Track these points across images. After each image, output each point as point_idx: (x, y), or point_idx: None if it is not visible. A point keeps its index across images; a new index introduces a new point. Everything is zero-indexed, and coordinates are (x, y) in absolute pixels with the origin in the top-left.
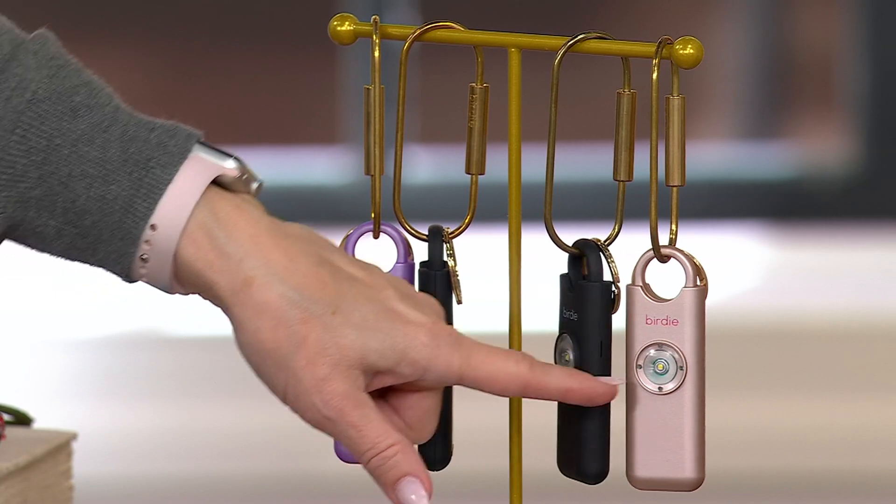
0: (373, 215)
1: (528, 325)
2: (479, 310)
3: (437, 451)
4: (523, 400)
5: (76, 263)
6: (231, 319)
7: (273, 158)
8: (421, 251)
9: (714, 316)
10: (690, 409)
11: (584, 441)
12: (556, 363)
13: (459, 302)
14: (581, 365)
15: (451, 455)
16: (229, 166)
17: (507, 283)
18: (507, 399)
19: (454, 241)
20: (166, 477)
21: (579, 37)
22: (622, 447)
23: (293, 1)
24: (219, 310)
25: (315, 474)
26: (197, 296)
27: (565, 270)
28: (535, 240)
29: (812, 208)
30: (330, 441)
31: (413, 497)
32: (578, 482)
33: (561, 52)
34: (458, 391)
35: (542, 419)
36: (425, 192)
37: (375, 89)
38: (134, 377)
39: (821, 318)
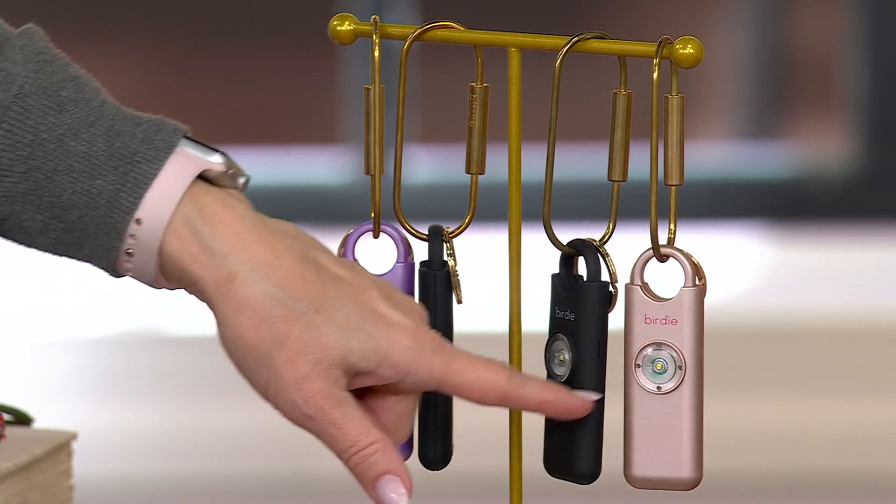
0: (373, 215)
1: (528, 325)
2: (479, 310)
3: (437, 451)
4: None
5: (66, 259)
6: (214, 315)
7: (273, 158)
8: (421, 251)
9: (714, 316)
10: (689, 409)
11: (577, 441)
12: (549, 364)
13: (459, 302)
14: (577, 365)
15: (451, 455)
16: (215, 161)
17: (507, 283)
18: None
19: (454, 240)
20: (166, 477)
21: (580, 37)
22: (620, 446)
23: (293, 1)
24: None
25: (315, 474)
26: (184, 291)
27: (557, 270)
28: (535, 240)
29: (812, 208)
30: None
31: (393, 495)
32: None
33: (562, 52)
34: None
35: (542, 419)
36: (425, 192)
37: (375, 89)
38: (134, 377)
39: (820, 318)
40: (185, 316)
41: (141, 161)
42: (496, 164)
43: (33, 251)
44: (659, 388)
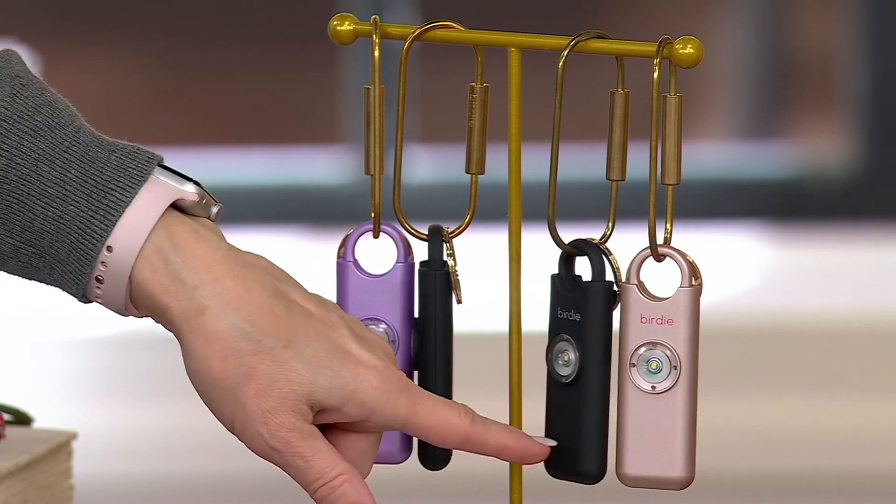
0: (373, 215)
1: (527, 325)
2: (479, 310)
3: (437, 451)
4: (524, 397)
5: (36, 283)
6: (182, 346)
7: (273, 158)
8: (421, 251)
9: (713, 316)
10: (683, 409)
11: (583, 441)
12: (552, 365)
13: (459, 302)
14: (584, 365)
15: (450, 455)
16: (188, 190)
17: (507, 283)
18: (508, 398)
19: (454, 240)
20: (166, 477)
21: (581, 37)
22: (613, 444)
23: (293, 1)
24: None
25: None
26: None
27: (556, 271)
28: (535, 240)
29: (812, 208)
30: None
31: None
32: (573, 482)
33: (565, 53)
34: (457, 388)
35: (541, 419)
36: (425, 192)
37: (375, 89)
38: (134, 377)
39: (820, 318)
40: None
41: (114, 189)
42: (496, 164)
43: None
44: (653, 387)
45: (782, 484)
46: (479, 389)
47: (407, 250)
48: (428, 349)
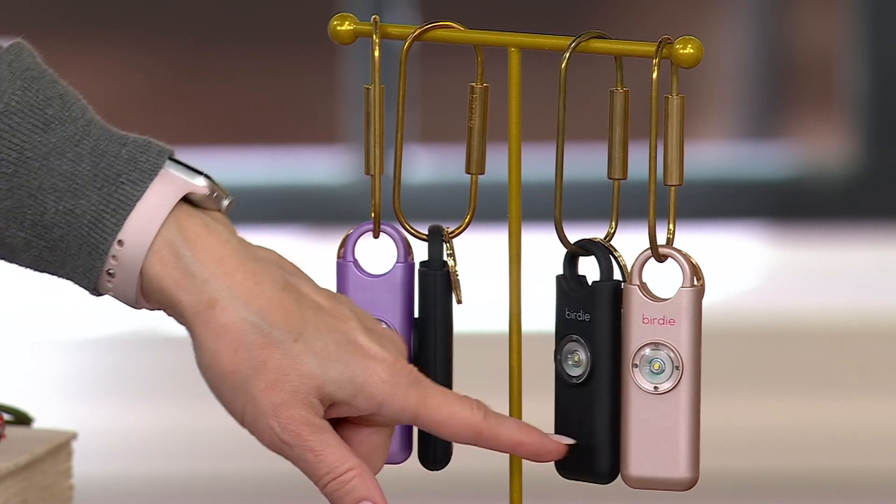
0: (373, 215)
1: (528, 325)
2: (479, 310)
3: (437, 451)
4: (524, 397)
5: (47, 276)
6: (192, 338)
7: (273, 158)
8: (421, 251)
9: (713, 316)
10: (686, 409)
11: (597, 440)
12: (561, 366)
13: (459, 302)
14: (595, 365)
15: (451, 455)
16: (199, 184)
17: (507, 283)
18: (508, 398)
19: (454, 240)
20: (166, 477)
21: (583, 37)
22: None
23: (293, 1)
24: None
25: None
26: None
27: (561, 272)
28: (535, 240)
29: (812, 208)
30: None
31: None
32: (578, 482)
33: (567, 53)
34: (457, 388)
35: (542, 419)
36: (425, 192)
37: (375, 89)
38: (134, 377)
39: (820, 318)
40: None
41: (125, 182)
42: (496, 164)
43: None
44: (656, 388)
45: (782, 484)
46: (479, 389)
47: (407, 250)
48: (428, 349)
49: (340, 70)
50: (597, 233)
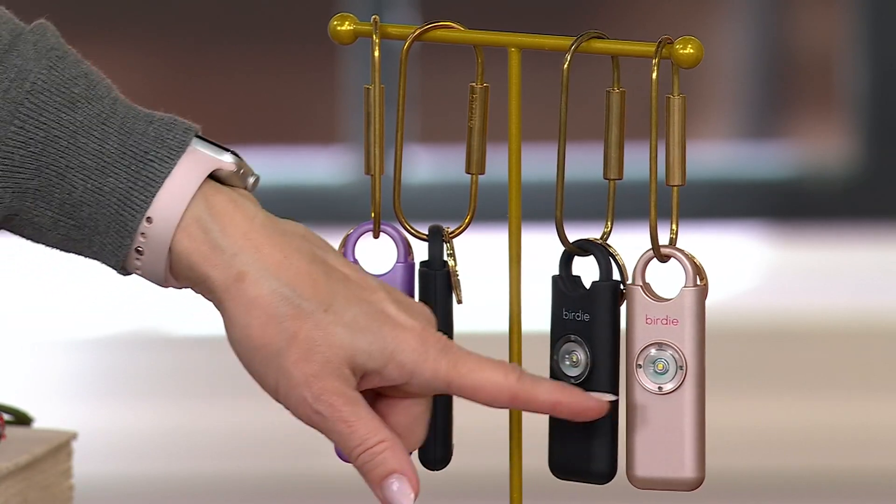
0: (373, 215)
1: (528, 325)
2: (479, 310)
3: (437, 451)
4: None
5: (73, 256)
6: (222, 314)
7: (273, 158)
8: (421, 251)
9: (714, 316)
10: (690, 409)
11: (594, 441)
12: (558, 366)
13: (459, 302)
14: (594, 365)
15: (451, 455)
16: (226, 160)
17: (507, 283)
18: None
19: (454, 240)
20: (166, 477)
21: (583, 37)
22: (622, 446)
23: (293, 1)
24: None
25: (315, 474)
26: (191, 291)
27: (556, 272)
28: (535, 240)
29: (812, 208)
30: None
31: (399, 496)
32: (578, 483)
33: (569, 54)
34: None
35: (542, 419)
36: (425, 192)
37: (375, 89)
38: (134, 377)
39: (821, 318)
40: (185, 316)
41: (153, 160)
42: (496, 164)
43: (35, 247)
44: (660, 388)
45: (783, 484)
46: None
47: (407, 250)
48: None
49: (340, 70)
50: (595, 233)
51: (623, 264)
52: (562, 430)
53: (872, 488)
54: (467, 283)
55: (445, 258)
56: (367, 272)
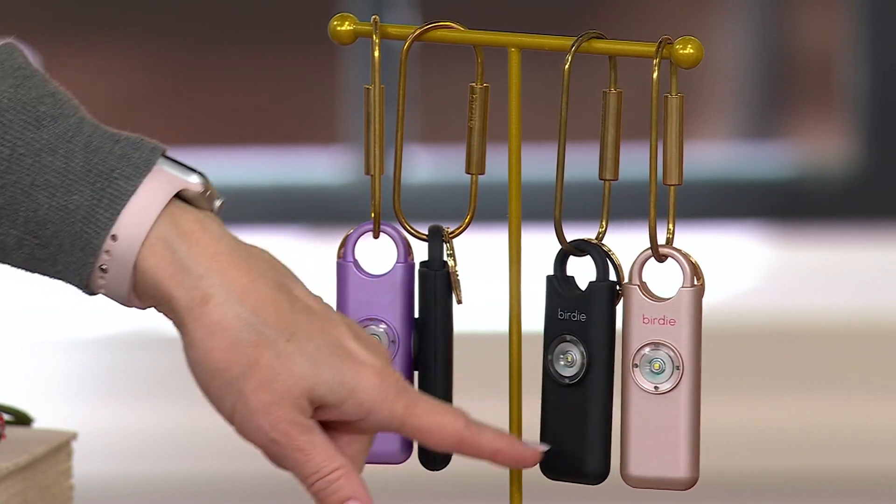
0: (373, 215)
1: (528, 325)
2: (479, 310)
3: (437, 452)
4: (524, 397)
5: (39, 276)
6: (183, 335)
7: (273, 158)
8: (421, 251)
9: (713, 316)
10: (686, 409)
11: (589, 440)
12: (553, 366)
13: (459, 302)
14: (589, 365)
15: (451, 455)
16: (193, 181)
17: (507, 283)
18: (508, 398)
19: (454, 240)
20: (166, 477)
21: (584, 38)
22: (617, 445)
23: (293, 1)
24: None
25: None
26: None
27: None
28: (535, 240)
29: (812, 208)
30: None
31: None
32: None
33: (570, 54)
34: (457, 388)
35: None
36: (425, 192)
37: (375, 89)
38: (134, 377)
39: (820, 318)
40: None
41: (118, 178)
42: (496, 164)
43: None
44: (656, 387)
45: (782, 484)
46: (479, 389)
47: (407, 250)
48: (428, 349)
49: (340, 70)
50: (590, 233)
51: (619, 264)
52: (555, 430)
53: (872, 488)
54: (467, 283)
55: (445, 258)
56: (329, 305)
